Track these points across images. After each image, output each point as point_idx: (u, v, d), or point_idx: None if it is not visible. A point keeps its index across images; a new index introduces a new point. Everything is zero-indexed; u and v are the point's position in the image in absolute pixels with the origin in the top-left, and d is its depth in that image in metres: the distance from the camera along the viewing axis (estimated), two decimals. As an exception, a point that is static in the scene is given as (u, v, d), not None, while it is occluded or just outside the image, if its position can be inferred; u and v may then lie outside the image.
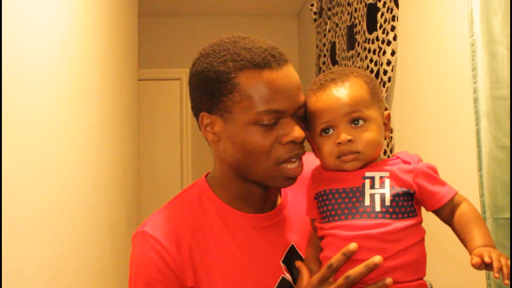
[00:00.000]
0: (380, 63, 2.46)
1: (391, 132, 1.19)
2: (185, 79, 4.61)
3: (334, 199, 1.09)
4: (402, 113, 2.38)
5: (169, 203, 1.22)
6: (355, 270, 1.01)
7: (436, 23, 2.07)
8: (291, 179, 1.11)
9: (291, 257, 1.16)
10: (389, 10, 2.41)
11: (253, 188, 1.15)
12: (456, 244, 1.12)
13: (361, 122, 1.08)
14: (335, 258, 1.02)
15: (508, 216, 1.56)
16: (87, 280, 1.99)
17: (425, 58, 2.16)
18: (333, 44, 3.37)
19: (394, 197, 1.05)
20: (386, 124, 1.15)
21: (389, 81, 2.40)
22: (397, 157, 1.12)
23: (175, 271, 1.08)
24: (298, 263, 1.12)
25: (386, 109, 1.16)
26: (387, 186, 1.06)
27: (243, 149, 1.08)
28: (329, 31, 3.46)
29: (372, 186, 1.07)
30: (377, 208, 1.05)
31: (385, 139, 1.14)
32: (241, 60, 1.08)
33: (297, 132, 1.07)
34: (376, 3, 2.54)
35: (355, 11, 2.85)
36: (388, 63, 2.40)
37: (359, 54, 2.78)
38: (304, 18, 4.50)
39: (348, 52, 2.99)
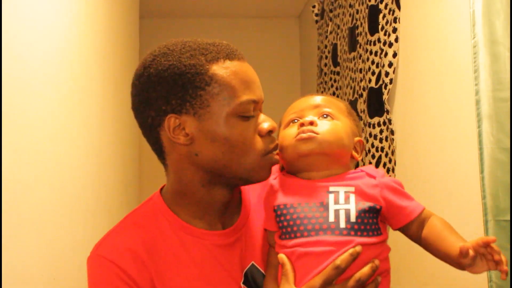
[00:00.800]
0: (382, 64, 2.46)
1: (361, 159, 1.19)
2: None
3: (296, 214, 1.04)
4: (403, 115, 2.37)
5: (123, 220, 1.15)
6: (363, 272, 1.00)
7: (438, 24, 2.07)
8: (270, 169, 1.10)
9: (252, 274, 1.10)
10: (391, 12, 2.40)
11: (218, 195, 1.09)
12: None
13: (329, 118, 1.10)
14: (342, 258, 0.98)
15: (510, 218, 1.55)
16: (88, 282, 1.99)
17: (427, 59, 2.16)
18: (334, 46, 3.37)
19: (360, 213, 1.01)
20: (356, 148, 1.14)
21: (390, 83, 2.40)
22: (362, 171, 1.08)
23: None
24: (281, 258, 1.04)
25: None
26: (352, 202, 1.02)
27: (226, 144, 1.02)
28: (331, 32, 3.46)
29: (337, 201, 1.03)
30: (342, 224, 1.00)
31: (356, 164, 1.15)
32: (211, 53, 1.05)
33: (270, 120, 1.07)
34: (377, 5, 2.53)
35: (357, 12, 2.85)
36: (390, 64, 2.40)
37: (360, 55, 2.77)
38: (305, 20, 4.50)
39: (349, 53, 2.99)
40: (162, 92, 1.03)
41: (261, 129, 1.05)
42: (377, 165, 2.52)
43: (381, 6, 2.50)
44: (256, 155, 1.04)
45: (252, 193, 1.20)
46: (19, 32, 1.43)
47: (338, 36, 3.28)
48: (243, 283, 1.08)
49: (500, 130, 1.59)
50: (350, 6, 2.99)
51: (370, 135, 2.59)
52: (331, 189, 1.04)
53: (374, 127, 2.55)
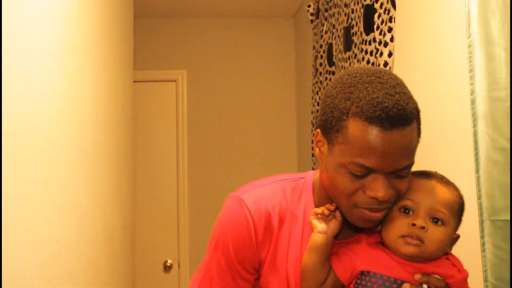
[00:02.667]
0: (377, 64, 2.45)
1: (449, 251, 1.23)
2: (181, 81, 4.60)
3: (376, 284, 1.11)
4: (399, 115, 2.37)
5: (274, 182, 1.31)
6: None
7: (433, 24, 2.07)
8: (368, 222, 1.15)
9: None
10: (386, 11, 2.40)
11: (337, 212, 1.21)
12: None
13: (439, 222, 1.13)
14: None
15: (506, 218, 1.55)
16: (83, 283, 1.98)
17: (422, 59, 2.16)
18: (330, 45, 3.37)
19: None
20: (451, 243, 1.20)
21: (386, 82, 2.39)
22: (451, 262, 1.17)
23: (254, 243, 1.22)
24: None
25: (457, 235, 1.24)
26: None
27: (331, 181, 1.15)
28: (326, 32, 3.45)
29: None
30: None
31: (446, 254, 1.18)
32: (358, 107, 1.08)
33: (381, 192, 1.09)
34: (373, 4, 2.53)
35: (352, 12, 2.84)
36: (385, 64, 2.39)
37: (356, 55, 2.77)
38: (301, 19, 4.50)
39: (345, 53, 2.98)
40: (321, 110, 1.19)
41: (366, 190, 1.11)
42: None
43: (377, 6, 2.49)
44: (349, 203, 1.14)
45: None
46: (12, 32, 1.42)
47: (334, 36, 3.27)
48: None
49: (495, 129, 1.58)
50: (346, 5, 2.98)
51: (366, 135, 2.59)
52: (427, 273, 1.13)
53: (369, 127, 2.55)
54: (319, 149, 1.18)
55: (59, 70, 1.79)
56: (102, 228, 2.32)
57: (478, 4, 1.66)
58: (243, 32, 4.71)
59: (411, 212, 1.13)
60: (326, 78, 3.41)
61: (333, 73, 3.29)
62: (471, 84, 1.68)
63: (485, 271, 1.59)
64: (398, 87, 1.13)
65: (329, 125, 1.13)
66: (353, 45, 2.82)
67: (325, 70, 3.45)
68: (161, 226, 4.41)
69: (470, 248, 1.73)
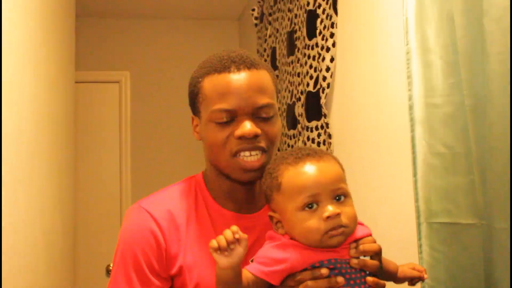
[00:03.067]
0: (320, 69, 2.49)
1: None
2: (124, 82, 4.53)
3: (338, 270, 1.10)
4: (340, 119, 2.41)
5: (167, 188, 1.31)
6: (317, 284, 1.06)
7: (373, 30, 2.11)
8: (248, 171, 1.18)
9: None
10: (328, 17, 2.44)
11: (235, 185, 1.23)
12: None
13: (342, 198, 1.11)
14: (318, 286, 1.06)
15: (442, 220, 1.60)
16: (19, 290, 1.93)
17: (363, 65, 2.20)
18: (273, 50, 3.39)
19: None
20: None
21: (328, 87, 2.43)
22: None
23: (161, 242, 1.18)
24: None
25: None
26: None
27: (207, 144, 1.21)
28: (270, 36, 3.48)
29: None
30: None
31: None
32: (207, 67, 1.21)
33: (246, 128, 1.15)
34: (315, 10, 2.56)
35: (295, 17, 2.87)
36: (327, 69, 2.43)
37: (299, 60, 2.80)
38: (245, 23, 4.51)
39: (288, 57, 3.01)
40: (189, 97, 1.28)
41: (235, 133, 1.16)
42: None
43: (319, 11, 2.53)
44: (226, 156, 1.18)
45: None
46: None
47: (277, 40, 3.30)
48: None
49: (432, 135, 1.63)
50: (289, 10, 3.01)
51: (308, 138, 2.62)
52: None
53: (312, 131, 2.58)
54: (196, 132, 1.27)
55: (-4, 72, 1.74)
56: (41, 234, 2.26)
57: (415, 13, 1.70)
58: (187, 34, 4.69)
59: (315, 206, 1.09)
60: (270, 82, 3.42)
61: (277, 77, 3.32)
62: (409, 90, 1.72)
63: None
64: (241, 49, 1.26)
65: (192, 101, 1.25)
66: (296, 49, 2.85)
67: (269, 73, 3.47)
68: (103, 229, 4.34)
69: (408, 250, 1.77)
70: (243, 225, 1.14)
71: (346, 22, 2.34)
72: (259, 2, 3.75)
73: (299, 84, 2.77)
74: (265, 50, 3.58)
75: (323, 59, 2.45)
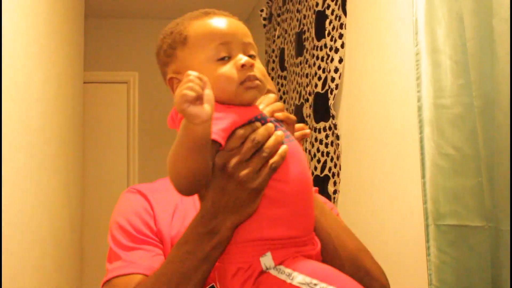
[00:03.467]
0: (328, 70, 2.48)
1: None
2: (133, 82, 4.54)
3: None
4: (348, 120, 2.40)
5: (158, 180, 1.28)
6: (259, 133, 0.97)
7: (383, 31, 2.10)
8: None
9: None
10: (337, 18, 2.43)
11: None
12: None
13: (253, 55, 1.04)
14: (259, 133, 0.96)
15: (450, 223, 1.59)
16: (27, 288, 1.93)
17: (372, 66, 2.19)
18: (282, 50, 3.39)
19: None
20: None
21: (336, 88, 2.42)
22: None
23: (150, 208, 1.17)
24: None
25: None
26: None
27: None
28: (278, 37, 3.47)
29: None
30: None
31: None
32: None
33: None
34: (324, 11, 2.56)
35: (304, 18, 2.87)
36: (336, 70, 2.42)
37: (307, 60, 2.80)
38: (253, 24, 4.51)
39: (296, 58, 3.01)
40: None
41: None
42: (322, 170, 2.55)
43: (328, 12, 2.52)
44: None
45: None
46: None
47: (286, 41, 3.29)
48: None
49: (440, 136, 1.62)
50: (298, 11, 3.01)
51: (316, 140, 2.61)
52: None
53: (320, 132, 2.58)
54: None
55: (5, 71, 1.75)
56: (49, 232, 2.26)
57: (425, 14, 1.69)
58: (196, 35, 4.69)
59: (226, 58, 1.01)
60: (277, 83, 3.42)
61: (285, 78, 3.31)
62: (418, 91, 1.71)
63: (429, 274, 1.62)
64: None
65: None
66: (305, 50, 2.85)
67: (277, 74, 3.47)
68: (110, 229, 4.34)
69: (416, 252, 1.76)
70: None
71: (355, 23, 2.33)
72: (267, 2, 3.74)
73: (307, 85, 2.77)
74: (273, 51, 3.57)
75: (332, 60, 2.45)
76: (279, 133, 0.98)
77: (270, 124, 0.99)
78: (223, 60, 1.01)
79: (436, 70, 1.64)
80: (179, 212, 1.19)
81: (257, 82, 1.00)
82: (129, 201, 1.21)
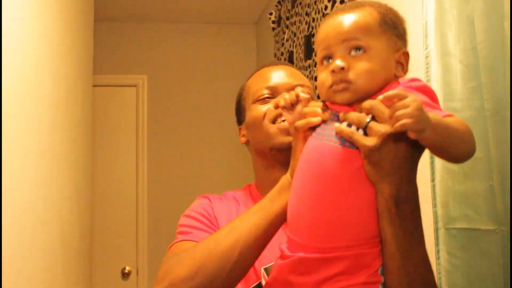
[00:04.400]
0: (337, 73, 2.47)
1: (406, 73, 1.07)
2: (142, 86, 4.55)
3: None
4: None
5: (225, 193, 1.46)
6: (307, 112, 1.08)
7: (392, 35, 2.09)
8: (283, 131, 1.27)
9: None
10: (346, 21, 2.42)
11: (278, 176, 1.19)
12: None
13: (361, 51, 1.00)
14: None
15: (460, 226, 1.58)
16: (36, 291, 1.94)
17: (381, 69, 2.18)
18: (291, 53, 3.38)
19: None
20: (402, 63, 1.07)
21: (345, 91, 2.41)
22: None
23: (213, 212, 1.33)
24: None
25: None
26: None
27: (250, 124, 1.38)
28: (287, 40, 3.47)
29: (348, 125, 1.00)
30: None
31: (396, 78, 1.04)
32: (252, 73, 1.47)
33: (279, 98, 1.21)
34: (333, 14, 2.55)
35: (313, 21, 2.87)
36: (345, 73, 2.41)
37: (316, 64, 2.79)
38: (262, 27, 4.51)
39: (305, 61, 3.00)
40: (236, 111, 1.51)
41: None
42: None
43: (337, 15, 2.51)
44: (266, 124, 1.31)
45: None
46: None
47: (294, 44, 3.29)
48: (265, 268, 1.22)
49: (451, 139, 1.61)
50: (307, 14, 3.00)
51: (325, 143, 2.60)
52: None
53: (329, 135, 2.57)
54: (242, 135, 1.44)
55: (16, 74, 1.75)
56: (58, 236, 2.27)
57: (435, 17, 1.68)
58: (204, 38, 4.69)
59: (329, 60, 1.03)
60: (287, 86, 3.41)
61: (294, 81, 3.31)
62: (428, 94, 1.70)
63: (439, 278, 1.61)
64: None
65: (238, 111, 1.47)
66: (314, 53, 2.84)
67: (286, 78, 3.46)
68: (119, 232, 4.35)
69: (426, 256, 1.75)
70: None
71: (364, 26, 2.33)
72: (276, 6, 3.74)
73: (316, 88, 2.76)
74: (282, 54, 3.57)
75: (341, 63, 2.44)
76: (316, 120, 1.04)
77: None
78: (327, 62, 1.05)
79: (446, 73, 1.64)
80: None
81: (344, 85, 0.99)
82: (196, 203, 1.38)
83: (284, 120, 1.26)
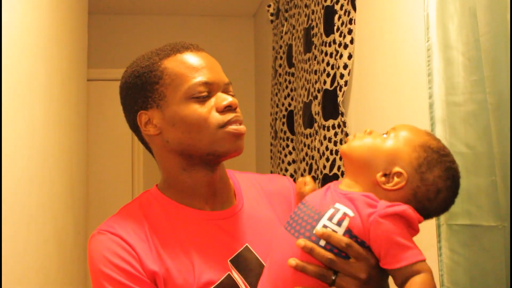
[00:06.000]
0: (337, 66, 2.45)
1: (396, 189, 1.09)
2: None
3: (299, 210, 1.06)
4: (358, 118, 2.38)
5: (120, 210, 1.25)
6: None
7: (393, 27, 2.08)
8: (237, 137, 1.16)
9: (244, 256, 1.17)
10: (346, 13, 2.40)
11: (199, 177, 1.19)
12: None
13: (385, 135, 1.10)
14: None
15: (463, 222, 1.57)
16: (31, 289, 1.92)
17: (382, 62, 2.16)
18: (289, 46, 3.36)
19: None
20: (393, 178, 1.11)
21: (345, 85, 2.39)
22: (368, 197, 1.03)
23: (134, 252, 1.10)
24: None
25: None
26: (343, 227, 0.99)
27: (184, 125, 1.15)
28: (286, 33, 3.44)
29: (331, 219, 1.00)
30: (321, 243, 0.99)
31: None
32: (164, 51, 1.20)
33: (229, 98, 1.16)
34: (333, 6, 2.53)
35: (312, 13, 2.84)
36: (345, 66, 2.39)
37: (316, 57, 2.77)
38: (260, 19, 4.49)
39: (304, 55, 2.98)
40: (131, 96, 1.21)
41: (218, 106, 1.15)
42: (331, 169, 2.52)
43: (337, 7, 2.49)
44: (211, 129, 1.14)
45: (245, 186, 1.32)
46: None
47: (293, 37, 3.27)
48: (230, 260, 1.15)
49: (452, 134, 1.59)
50: (306, 6, 2.98)
51: (325, 137, 2.58)
52: (337, 205, 1.02)
53: (328, 130, 2.55)
54: (153, 127, 1.19)
55: (9, 68, 1.73)
56: (52, 233, 2.25)
57: (436, 8, 1.66)
58: (201, 31, 4.67)
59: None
60: (285, 80, 3.40)
61: (293, 74, 3.28)
62: (430, 88, 1.68)
63: (441, 275, 1.60)
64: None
65: (146, 91, 1.18)
66: (313, 46, 2.82)
67: (284, 71, 3.44)
68: (116, 228, 4.34)
69: (427, 252, 1.72)
70: (214, 219, 1.19)
71: (365, 18, 2.30)
72: (275, -2, 3.72)
73: (316, 82, 2.74)
74: (281, 47, 3.55)
75: (341, 56, 2.42)
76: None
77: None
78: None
79: (448, 66, 1.62)
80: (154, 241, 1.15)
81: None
82: (105, 247, 1.13)
83: (236, 123, 1.16)
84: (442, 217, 1.62)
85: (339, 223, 0.99)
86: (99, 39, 4.39)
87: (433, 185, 1.07)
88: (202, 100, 1.16)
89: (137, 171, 4.43)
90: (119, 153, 4.48)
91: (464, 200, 1.56)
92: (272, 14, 3.80)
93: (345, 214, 0.99)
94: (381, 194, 1.05)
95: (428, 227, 1.74)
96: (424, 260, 0.96)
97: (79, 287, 2.89)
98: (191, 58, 1.18)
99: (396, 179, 1.06)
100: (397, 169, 1.06)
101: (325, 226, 0.99)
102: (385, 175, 1.06)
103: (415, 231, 1.03)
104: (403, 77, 1.99)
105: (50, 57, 2.29)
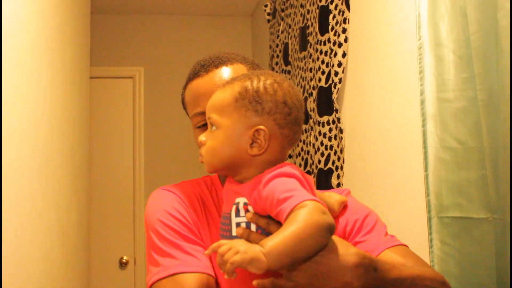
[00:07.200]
0: (332, 64, 2.49)
1: (264, 151, 1.00)
2: (138, 78, 4.55)
3: (221, 219, 1.05)
4: (352, 114, 2.41)
5: (188, 180, 1.32)
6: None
7: (386, 26, 2.11)
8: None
9: None
10: (341, 13, 2.44)
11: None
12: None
13: (214, 127, 1.04)
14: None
15: (453, 215, 1.60)
16: (36, 281, 1.95)
17: (375, 60, 2.20)
18: (286, 45, 3.39)
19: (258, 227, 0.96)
20: (255, 140, 1.01)
21: (339, 82, 2.43)
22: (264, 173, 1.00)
23: (185, 204, 1.18)
24: None
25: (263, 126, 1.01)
26: (251, 213, 0.97)
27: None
28: (282, 32, 3.48)
29: (237, 214, 0.98)
30: (252, 227, 0.97)
31: (258, 155, 1.01)
32: (187, 78, 1.27)
33: (198, 137, 1.15)
34: (328, 6, 2.57)
35: (308, 12, 2.88)
36: (339, 64, 2.43)
37: (311, 55, 2.80)
38: (258, 19, 4.52)
39: (300, 53, 3.01)
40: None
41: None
42: (326, 163, 2.56)
43: (331, 7, 2.53)
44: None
45: None
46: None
47: (290, 36, 3.30)
48: None
49: (443, 130, 1.63)
50: (301, 6, 3.01)
51: (320, 133, 2.62)
52: (236, 199, 1.00)
53: (323, 126, 2.59)
54: None
55: (13, 66, 1.76)
56: (56, 226, 2.28)
57: (428, 8, 1.70)
58: (200, 30, 4.70)
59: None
60: (282, 77, 3.42)
61: (289, 72, 3.32)
62: (421, 85, 1.72)
63: (432, 266, 1.63)
64: (220, 53, 1.29)
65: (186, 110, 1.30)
66: (309, 45, 2.86)
67: (281, 69, 3.48)
68: (117, 223, 4.37)
69: (419, 244, 1.77)
70: None
71: (359, 18, 2.34)
72: (271, -2, 3.75)
73: (311, 79, 2.78)
74: (277, 45, 3.58)
75: (335, 54, 2.46)
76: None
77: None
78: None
79: (439, 64, 1.65)
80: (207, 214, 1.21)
81: (201, 158, 1.10)
82: (163, 198, 1.20)
83: None
84: (433, 210, 1.66)
85: (247, 212, 0.98)
86: (102, 38, 4.42)
87: (275, 103, 1.01)
88: (203, 127, 1.20)
89: (138, 167, 4.46)
90: (121, 148, 4.50)
91: (455, 193, 1.59)
92: (269, 14, 3.83)
93: (245, 204, 0.98)
94: (261, 168, 1.02)
95: (419, 219, 1.79)
96: (308, 200, 0.89)
97: (82, 278, 2.92)
98: (196, 86, 1.21)
99: (260, 139, 1.00)
100: (253, 129, 1.01)
101: (237, 224, 0.98)
102: (251, 144, 1.01)
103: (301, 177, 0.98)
104: (396, 74, 2.02)
105: (54, 56, 2.32)
